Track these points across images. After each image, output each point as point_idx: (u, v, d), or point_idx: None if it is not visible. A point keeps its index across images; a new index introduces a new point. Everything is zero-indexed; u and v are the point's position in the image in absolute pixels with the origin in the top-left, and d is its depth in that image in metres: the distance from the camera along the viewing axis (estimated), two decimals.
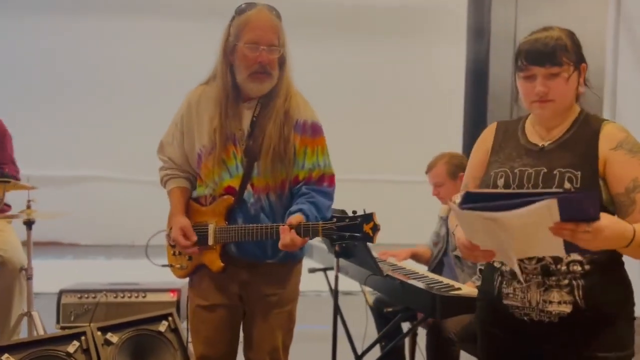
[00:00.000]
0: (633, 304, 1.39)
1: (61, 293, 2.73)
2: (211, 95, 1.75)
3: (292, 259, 1.83)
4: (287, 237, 1.59)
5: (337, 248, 2.19)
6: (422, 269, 2.50)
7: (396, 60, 5.14)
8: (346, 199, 1.86)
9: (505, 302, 1.42)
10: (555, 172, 1.35)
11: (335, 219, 1.57)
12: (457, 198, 1.21)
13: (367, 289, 2.68)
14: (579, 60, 1.38)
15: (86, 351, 2.28)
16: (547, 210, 1.09)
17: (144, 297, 2.76)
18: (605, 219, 1.14)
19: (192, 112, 1.78)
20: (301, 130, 1.74)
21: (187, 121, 1.79)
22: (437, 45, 5.34)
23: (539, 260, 1.36)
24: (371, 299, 2.66)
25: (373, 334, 2.59)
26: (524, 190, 1.38)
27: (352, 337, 2.48)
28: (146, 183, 5.17)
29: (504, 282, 1.42)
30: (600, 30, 5.01)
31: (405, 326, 2.57)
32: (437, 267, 2.55)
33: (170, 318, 2.47)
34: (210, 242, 1.76)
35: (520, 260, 1.38)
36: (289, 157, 1.72)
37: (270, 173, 1.72)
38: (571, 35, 1.39)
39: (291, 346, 1.96)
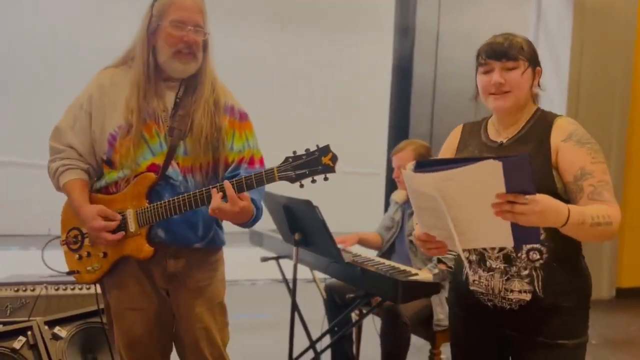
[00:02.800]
0: (589, 294, 1.50)
1: None
2: (126, 76, 1.69)
3: (220, 244, 1.78)
4: (217, 198, 1.52)
5: (296, 237, 2.25)
6: (372, 254, 2.62)
7: (324, 54, 5.23)
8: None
9: (471, 288, 1.54)
10: None
11: (290, 159, 1.52)
12: (410, 165, 1.28)
13: (318, 276, 2.77)
14: (534, 62, 1.50)
15: (33, 347, 2.18)
16: (492, 170, 1.15)
17: (88, 289, 2.65)
18: (541, 195, 1.22)
19: (104, 93, 1.69)
20: (229, 113, 1.72)
21: (97, 102, 1.68)
22: (365, 41, 5.50)
23: (501, 249, 1.47)
24: (321, 286, 2.75)
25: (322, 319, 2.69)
26: (472, 157, 1.50)
27: (306, 324, 2.56)
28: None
29: (471, 269, 1.54)
30: (519, 31, 5.42)
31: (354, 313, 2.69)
32: (388, 251, 2.69)
33: None
34: (133, 227, 1.64)
35: (484, 249, 1.49)
36: (221, 141, 1.69)
37: (200, 153, 1.67)
38: (528, 41, 1.52)
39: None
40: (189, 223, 1.66)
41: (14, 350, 2.12)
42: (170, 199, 1.60)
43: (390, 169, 5.38)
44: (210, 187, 1.55)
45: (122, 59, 1.74)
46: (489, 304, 1.51)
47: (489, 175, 1.17)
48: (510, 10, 5.51)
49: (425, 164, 1.26)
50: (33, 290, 2.58)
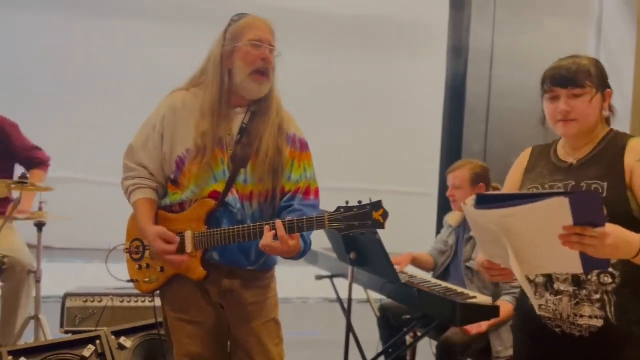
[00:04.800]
0: None
1: (65, 296, 2.69)
2: (196, 99, 1.73)
3: (271, 265, 1.81)
4: (268, 236, 1.55)
5: (352, 256, 2.28)
6: (426, 275, 2.61)
7: (376, 73, 5.26)
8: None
9: (538, 312, 1.48)
10: (582, 184, 1.42)
11: (342, 209, 1.53)
12: (471, 200, 1.27)
13: (372, 295, 2.77)
14: (602, 85, 1.47)
15: (101, 355, 2.28)
16: (558, 207, 1.12)
17: (150, 301, 2.76)
18: (611, 226, 1.19)
19: (176, 115, 1.73)
20: (291, 143, 1.75)
21: (169, 123, 1.73)
22: (419, 60, 5.50)
23: None
24: (375, 306, 2.76)
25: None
26: (537, 192, 1.45)
27: (361, 345, 2.56)
28: None
29: (537, 293, 1.49)
30: (574, 49, 5.29)
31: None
32: (442, 275, 2.67)
33: None
34: (189, 249, 1.68)
35: None
36: (280, 168, 1.72)
37: (259, 181, 1.70)
38: (596, 62, 1.49)
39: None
40: (241, 248, 1.69)
41: (83, 357, 2.22)
42: (226, 228, 1.64)
43: (442, 189, 5.36)
44: (264, 223, 1.59)
45: (191, 82, 1.78)
46: (557, 330, 1.45)
47: (555, 211, 1.15)
48: (569, 27, 5.39)
49: (486, 198, 1.25)
50: (100, 301, 2.71)
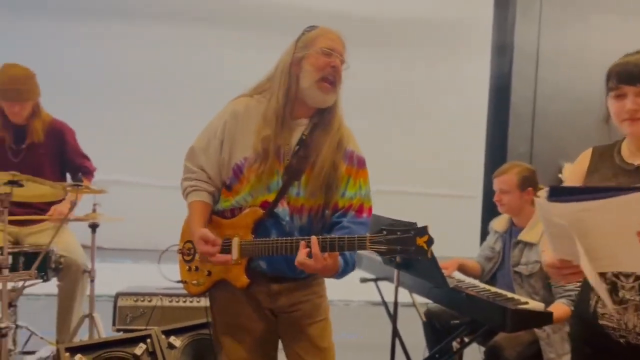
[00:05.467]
0: None
1: (117, 296, 2.78)
2: (259, 107, 1.72)
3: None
4: (302, 253, 1.51)
5: (398, 259, 2.27)
6: (475, 280, 2.56)
7: (421, 74, 5.22)
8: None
9: (600, 322, 1.41)
10: None
11: (384, 232, 1.47)
12: (544, 192, 1.22)
13: (417, 300, 2.74)
14: None
15: (152, 354, 2.34)
16: (636, 204, 1.08)
17: (198, 301, 2.82)
18: None
19: (238, 121, 1.72)
20: (348, 159, 1.73)
21: (230, 129, 1.72)
22: (462, 60, 5.42)
23: (638, 277, 1.34)
24: (421, 310, 2.73)
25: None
26: (611, 185, 1.38)
27: (407, 350, 2.55)
28: None
29: (599, 302, 1.42)
30: (627, 48, 5.11)
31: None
32: (489, 282, 2.61)
33: None
34: (235, 256, 1.67)
35: (616, 277, 1.38)
36: (335, 184, 1.70)
37: (311, 196, 1.68)
38: None
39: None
40: (287, 259, 1.64)
41: (135, 356, 2.28)
42: (271, 239, 1.63)
43: (487, 192, 5.26)
44: (300, 238, 1.56)
45: (256, 89, 1.78)
46: (622, 341, 1.38)
47: (636, 207, 1.10)
48: (619, 23, 5.20)
49: (560, 191, 1.21)
50: (150, 301, 2.79)
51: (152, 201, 5.21)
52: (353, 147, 1.76)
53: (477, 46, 5.46)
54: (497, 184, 2.53)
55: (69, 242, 2.66)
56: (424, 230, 1.46)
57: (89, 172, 2.87)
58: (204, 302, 2.84)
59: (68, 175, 2.89)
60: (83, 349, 2.24)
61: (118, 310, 2.75)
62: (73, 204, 2.41)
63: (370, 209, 1.75)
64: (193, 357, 2.47)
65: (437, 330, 2.58)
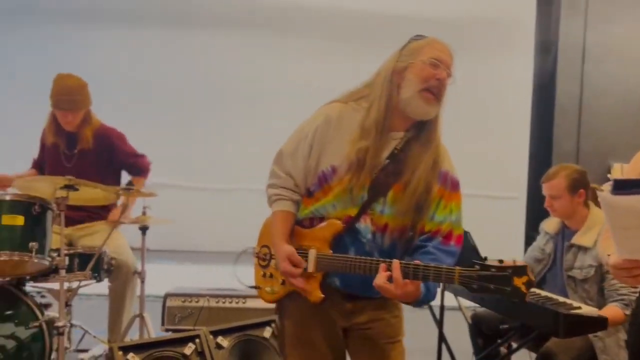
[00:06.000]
0: None
1: (166, 296, 2.85)
2: (353, 115, 1.63)
3: None
4: (382, 276, 1.42)
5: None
6: None
7: (462, 73, 5.16)
8: None
9: None
10: None
11: (477, 266, 1.34)
12: (607, 187, 1.19)
13: (464, 304, 2.71)
14: None
15: (201, 354, 2.38)
16: None
17: (244, 302, 2.86)
18: None
19: (330, 128, 1.63)
20: (442, 180, 1.61)
21: (321, 135, 1.63)
22: (504, 59, 5.32)
23: None
24: (467, 314, 2.69)
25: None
26: None
27: (454, 354, 2.52)
28: (252, 191, 5.53)
29: None
30: None
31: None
32: (538, 284, 2.54)
33: (273, 324, 2.55)
34: (311, 268, 1.59)
35: None
36: (426, 205, 1.58)
37: (399, 215, 1.58)
38: None
39: None
40: (364, 279, 1.53)
41: (184, 355, 2.33)
42: (349, 257, 1.54)
43: (531, 192, 5.14)
44: (381, 260, 1.47)
45: (351, 95, 1.68)
46: None
47: None
48: None
49: (625, 184, 1.17)
50: (197, 301, 2.84)
51: (197, 203, 5.36)
52: (448, 167, 1.63)
53: (519, 44, 5.35)
54: (546, 190, 2.45)
55: (119, 244, 2.74)
56: (523, 270, 1.30)
57: (142, 170, 2.96)
58: (250, 303, 2.92)
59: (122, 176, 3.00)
60: (135, 348, 2.30)
61: (167, 310, 2.82)
62: (125, 207, 2.48)
63: (459, 237, 1.62)
64: (240, 358, 2.51)
65: (484, 334, 2.53)
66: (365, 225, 1.59)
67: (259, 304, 2.89)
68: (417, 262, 1.43)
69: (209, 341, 2.43)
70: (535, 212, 5.02)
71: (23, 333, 2.29)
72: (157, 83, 5.26)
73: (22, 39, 5.55)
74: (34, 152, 3.06)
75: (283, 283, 1.70)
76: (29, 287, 2.50)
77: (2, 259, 2.16)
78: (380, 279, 1.45)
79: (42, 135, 2.96)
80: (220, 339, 2.47)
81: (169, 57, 5.27)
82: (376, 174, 1.59)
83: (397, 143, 1.61)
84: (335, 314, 1.66)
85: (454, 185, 1.64)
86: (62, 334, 2.24)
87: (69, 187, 2.25)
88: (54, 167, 2.83)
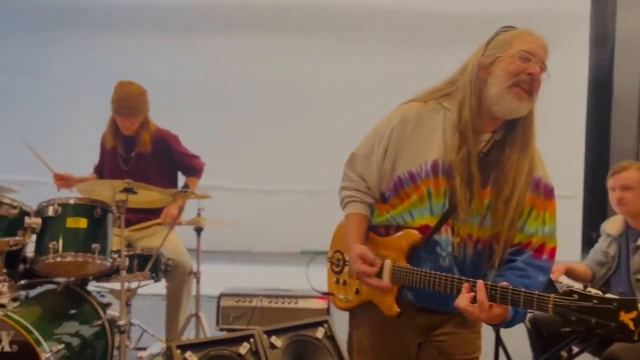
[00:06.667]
0: None
1: (220, 296, 2.91)
2: (435, 115, 1.51)
3: None
4: (465, 298, 1.30)
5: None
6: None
7: None
8: None
9: None
10: None
11: (575, 295, 1.20)
12: None
13: None
14: None
15: (255, 353, 2.41)
16: None
17: (295, 303, 2.88)
18: None
19: (407, 129, 1.51)
20: (534, 187, 1.46)
21: (397, 138, 1.52)
22: (557, 54, 5.16)
23: None
24: (526, 317, 2.62)
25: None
26: None
27: (511, 358, 2.46)
28: (307, 193, 5.63)
29: None
30: None
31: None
32: (602, 288, 2.46)
33: (326, 325, 2.56)
34: (386, 280, 1.51)
35: None
36: (517, 215, 1.44)
37: (484, 225, 1.45)
38: None
39: None
40: (439, 295, 1.43)
41: (239, 355, 2.37)
42: (428, 272, 1.42)
43: (588, 191, 4.96)
44: (463, 280, 1.35)
45: (432, 93, 1.56)
46: None
47: None
48: None
49: None
50: (250, 302, 2.89)
51: (248, 205, 5.46)
52: (541, 172, 1.48)
53: (573, 37, 5.17)
54: (618, 181, 2.34)
55: (176, 245, 2.82)
56: (631, 304, 1.14)
57: (197, 170, 3.04)
58: (302, 303, 2.94)
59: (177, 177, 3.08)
60: (192, 346, 2.35)
61: (221, 310, 2.88)
62: (181, 209, 2.55)
63: (553, 251, 1.48)
64: (293, 358, 2.53)
65: (543, 338, 2.46)
66: (445, 236, 1.47)
67: (311, 304, 2.92)
68: (504, 284, 1.29)
69: (263, 341, 2.46)
70: (593, 211, 4.84)
71: (87, 331, 2.39)
72: (209, 87, 5.41)
73: (73, 47, 5.81)
74: (87, 159, 3.18)
75: (357, 292, 1.62)
76: (91, 287, 2.61)
77: (67, 260, 2.25)
78: (463, 301, 1.32)
79: (102, 140, 3.08)
80: (273, 339, 2.50)
81: (220, 62, 5.40)
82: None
83: (482, 146, 1.47)
84: (408, 328, 1.56)
85: (548, 193, 1.48)
86: (123, 332, 2.32)
87: (127, 190, 2.33)
88: (113, 170, 2.94)
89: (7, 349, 2.01)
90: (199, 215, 2.75)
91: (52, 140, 5.68)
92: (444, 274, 1.39)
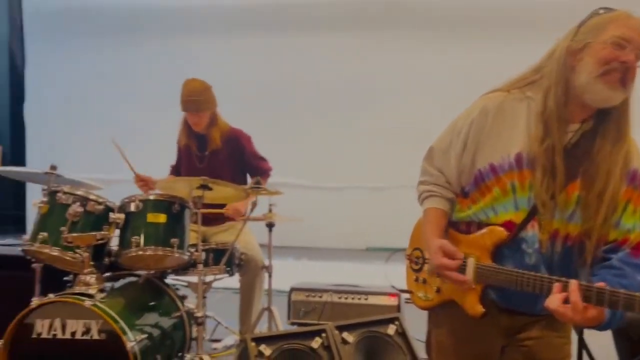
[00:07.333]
0: None
1: (291, 291, 2.95)
2: (519, 105, 1.44)
3: None
4: (556, 299, 1.23)
5: None
6: None
7: None
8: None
9: None
10: None
11: None
12: None
13: None
14: None
15: (327, 348, 2.43)
16: None
17: (365, 299, 2.88)
18: None
19: (488, 121, 1.45)
20: (630, 180, 1.38)
21: (477, 130, 1.46)
22: None
23: None
24: None
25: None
26: None
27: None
28: (372, 190, 5.66)
29: None
30: None
31: None
32: None
33: (397, 322, 2.53)
34: (469, 278, 1.46)
35: None
36: (611, 210, 1.36)
37: (574, 221, 1.37)
38: None
39: None
40: (526, 296, 1.38)
41: (312, 349, 2.39)
42: (515, 270, 1.36)
43: None
44: (554, 279, 1.27)
45: (516, 82, 1.49)
46: None
47: None
48: None
49: None
50: (320, 297, 2.91)
51: (315, 202, 5.53)
52: (638, 164, 1.40)
53: None
54: None
55: (248, 240, 2.88)
56: None
57: (265, 172, 3.09)
58: (372, 300, 2.94)
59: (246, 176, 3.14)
60: (266, 339, 2.40)
61: (292, 304, 2.91)
62: (253, 205, 2.60)
63: None
64: (365, 354, 2.52)
65: (630, 339, 2.33)
66: (532, 232, 1.40)
67: (381, 300, 2.90)
68: (601, 284, 1.21)
69: (335, 336, 2.46)
70: None
71: (166, 322, 2.48)
72: (280, 87, 5.52)
73: (146, 52, 6.06)
74: (162, 161, 3.30)
75: (438, 291, 1.59)
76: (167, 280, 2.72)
77: (147, 253, 2.35)
78: (554, 302, 1.25)
79: (178, 140, 3.19)
80: (345, 334, 2.50)
81: (289, 61, 5.50)
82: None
83: (570, 136, 1.40)
84: (491, 329, 1.50)
85: None
86: (201, 324, 2.40)
87: (203, 186, 2.41)
88: (188, 169, 3.05)
89: (95, 337, 2.12)
90: (270, 211, 2.80)
91: (131, 140, 5.99)
92: (533, 272, 1.33)
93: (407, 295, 2.56)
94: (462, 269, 1.46)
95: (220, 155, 3.02)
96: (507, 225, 1.42)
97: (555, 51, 1.41)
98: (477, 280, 1.44)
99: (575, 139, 1.40)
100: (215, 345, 3.02)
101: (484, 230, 1.46)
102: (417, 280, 1.65)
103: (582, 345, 2.11)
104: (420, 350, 2.44)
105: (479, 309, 1.45)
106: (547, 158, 1.37)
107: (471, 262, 1.45)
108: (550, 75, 1.39)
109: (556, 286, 1.25)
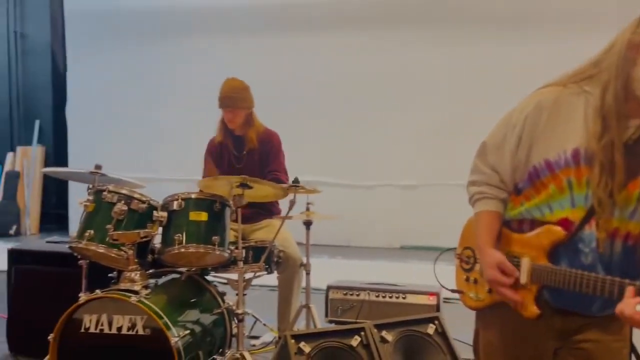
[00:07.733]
0: None
1: (329, 289, 2.96)
2: (577, 100, 1.39)
3: None
4: (630, 303, 1.16)
5: None
6: None
7: None
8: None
9: None
10: None
11: None
12: None
13: None
14: None
15: (366, 346, 2.43)
16: None
17: (404, 298, 2.87)
18: None
19: (543, 116, 1.40)
20: None
21: (532, 125, 1.41)
22: None
23: None
24: None
25: None
26: None
27: None
28: (405, 188, 5.66)
29: None
30: None
31: None
32: None
33: (437, 321, 2.52)
34: (523, 280, 1.42)
35: None
36: None
37: (636, 219, 1.34)
38: None
39: None
40: (580, 295, 1.34)
41: (351, 347, 2.39)
42: (575, 271, 1.32)
43: None
44: (626, 282, 1.21)
45: (573, 76, 1.44)
46: None
47: None
48: None
49: None
50: (358, 295, 2.91)
51: (349, 201, 5.54)
52: None
53: None
54: None
55: (286, 238, 2.90)
56: None
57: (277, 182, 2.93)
58: (410, 299, 2.92)
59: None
60: (306, 337, 2.41)
61: (330, 302, 2.93)
62: (292, 204, 2.62)
63: None
64: (404, 353, 2.51)
65: None
66: (589, 231, 1.36)
67: (419, 299, 2.89)
68: None
69: (374, 334, 2.46)
70: None
71: (207, 319, 2.53)
72: (316, 86, 5.54)
73: (185, 52, 6.16)
74: (201, 161, 3.29)
75: (490, 291, 1.55)
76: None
77: (190, 250, 2.40)
78: (628, 307, 1.18)
79: (210, 141, 3.23)
80: (384, 333, 2.50)
81: (324, 60, 5.52)
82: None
83: (631, 132, 1.35)
84: (544, 331, 1.46)
85: None
86: (241, 320, 2.43)
87: (243, 185, 2.44)
88: (226, 169, 3.09)
89: (141, 332, 2.18)
90: (307, 209, 2.82)
91: (169, 140, 6.11)
92: (593, 274, 1.29)
93: (446, 294, 2.55)
94: (515, 266, 1.43)
95: (255, 155, 3.06)
96: (563, 222, 1.39)
97: (614, 44, 1.36)
98: (532, 281, 1.41)
99: (637, 135, 1.35)
100: (253, 341, 3.06)
101: (540, 230, 1.42)
102: (467, 280, 1.62)
103: (631, 350, 2.05)
104: (460, 350, 2.42)
105: (535, 310, 1.42)
106: (605, 155, 1.33)
107: (526, 262, 1.42)
108: (610, 69, 1.35)
109: (629, 289, 1.19)
